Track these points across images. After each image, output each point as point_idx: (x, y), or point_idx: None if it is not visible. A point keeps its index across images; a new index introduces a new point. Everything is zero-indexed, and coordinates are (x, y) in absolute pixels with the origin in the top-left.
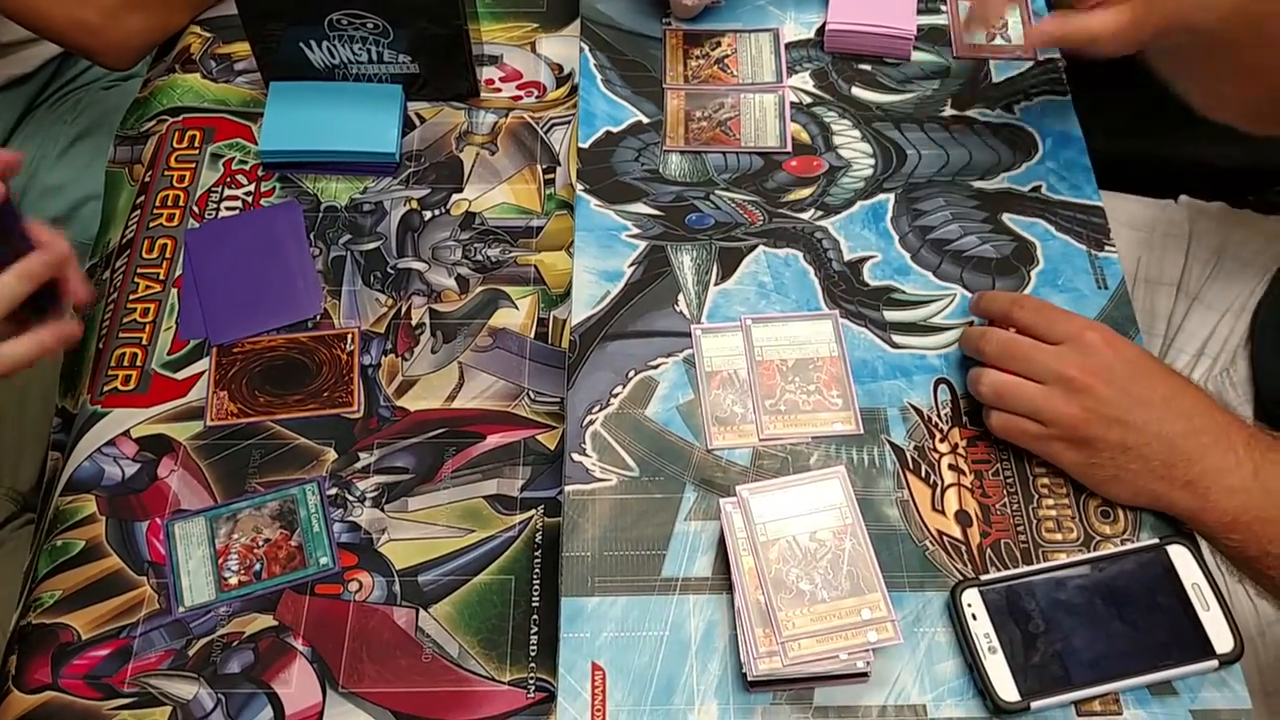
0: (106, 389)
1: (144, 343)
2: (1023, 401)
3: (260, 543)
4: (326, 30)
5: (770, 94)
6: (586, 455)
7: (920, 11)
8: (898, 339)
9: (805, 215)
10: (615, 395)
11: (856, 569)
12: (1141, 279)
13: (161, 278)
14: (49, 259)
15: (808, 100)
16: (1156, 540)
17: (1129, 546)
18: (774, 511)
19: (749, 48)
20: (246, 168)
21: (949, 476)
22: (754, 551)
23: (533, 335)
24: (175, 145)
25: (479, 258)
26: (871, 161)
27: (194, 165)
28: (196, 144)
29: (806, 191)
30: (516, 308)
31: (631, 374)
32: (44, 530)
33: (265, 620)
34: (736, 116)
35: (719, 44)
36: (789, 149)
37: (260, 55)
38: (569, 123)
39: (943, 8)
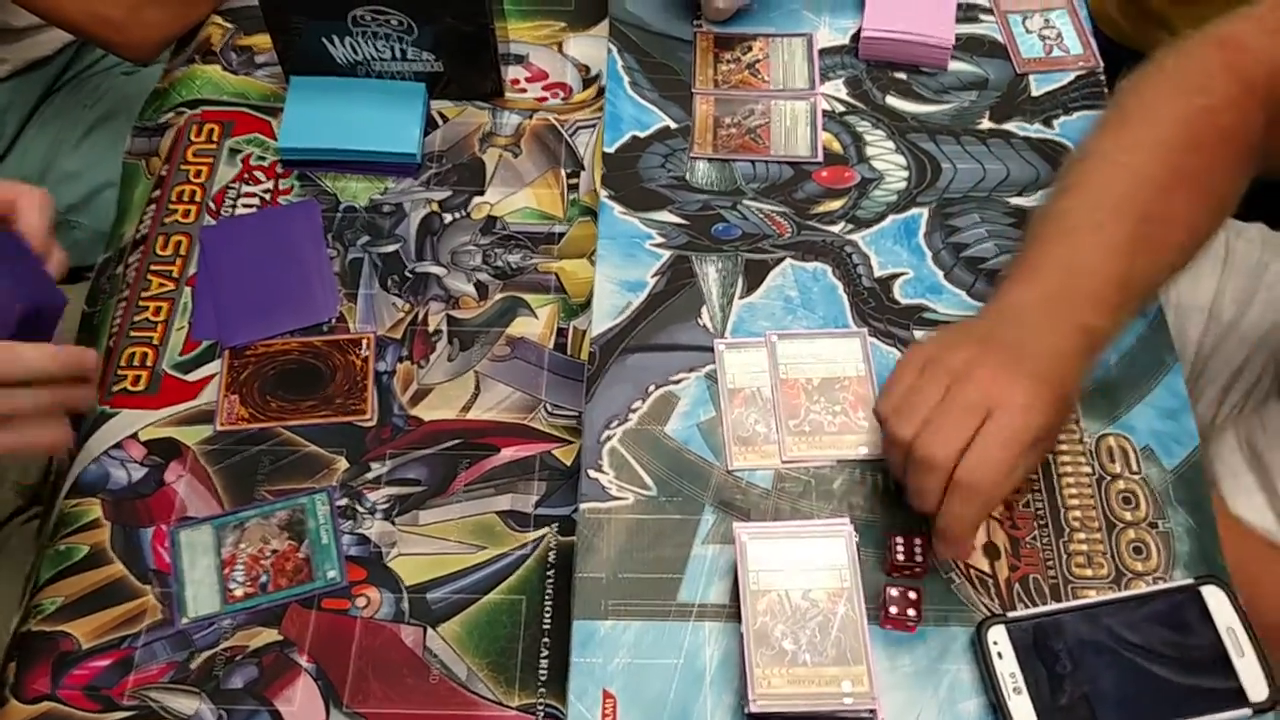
0: (116, 389)
1: (155, 342)
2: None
3: (267, 553)
4: (350, 25)
5: (802, 101)
6: (603, 472)
7: (959, 20)
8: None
9: (835, 228)
10: (634, 410)
11: (845, 637)
12: (1171, 302)
13: (175, 275)
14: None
15: (840, 109)
16: (1191, 580)
17: (1161, 586)
18: (770, 561)
19: (781, 53)
20: (265, 164)
21: None
22: (743, 599)
23: (551, 345)
24: (193, 139)
25: (499, 263)
26: (905, 174)
27: (211, 160)
28: (215, 138)
29: (837, 203)
30: (536, 317)
31: (652, 389)
32: (47, 533)
33: (270, 634)
34: (766, 124)
35: (750, 48)
36: (820, 159)
37: (281, 49)
38: (594, 126)
39: (983, 18)
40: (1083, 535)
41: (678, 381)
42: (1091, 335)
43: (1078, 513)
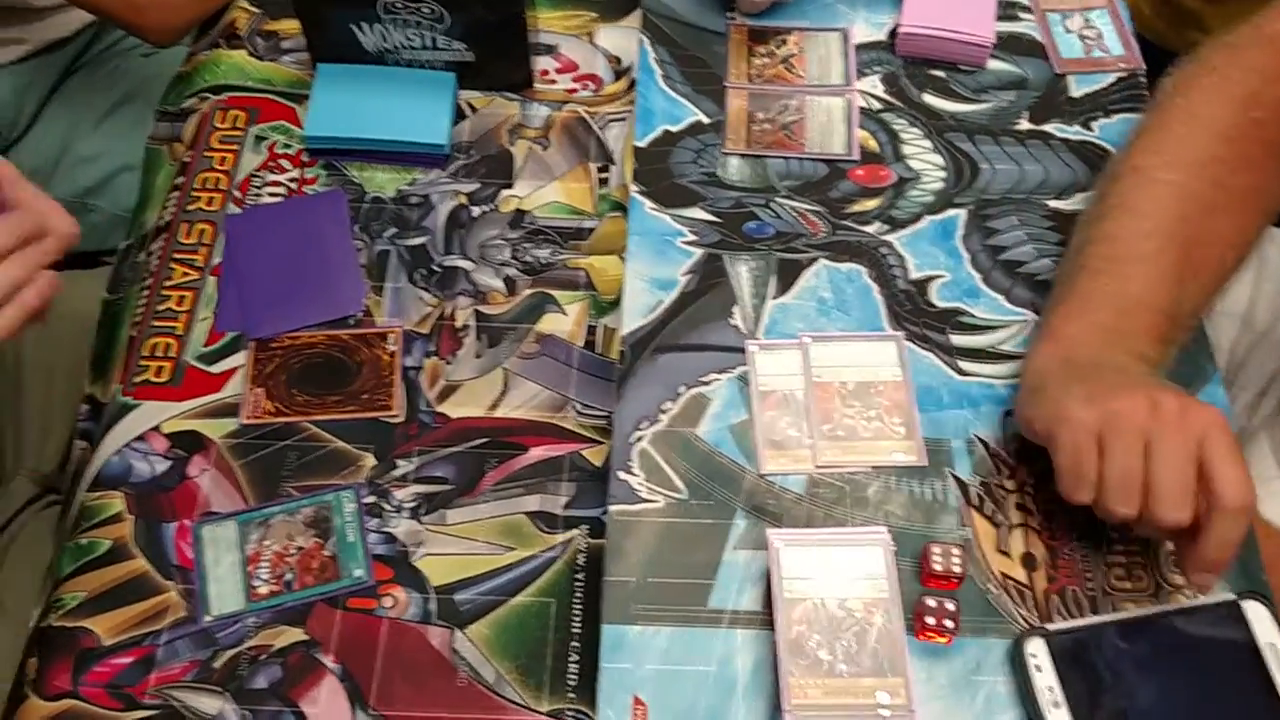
0: (138, 380)
1: (179, 333)
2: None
3: (292, 550)
4: (380, 12)
5: (837, 97)
6: (633, 474)
7: (998, 18)
8: (965, 366)
9: (870, 228)
10: (665, 411)
11: (883, 648)
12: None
13: (200, 264)
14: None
15: (877, 106)
16: (1232, 596)
17: (1202, 600)
18: (805, 568)
19: (816, 47)
20: (291, 152)
21: (1015, 516)
22: (776, 607)
23: (581, 343)
24: (218, 125)
25: (528, 259)
26: (943, 174)
27: (237, 147)
28: (240, 125)
29: (872, 203)
30: (565, 313)
31: (683, 389)
32: (68, 526)
33: (295, 634)
34: (801, 120)
35: (785, 42)
36: (856, 156)
37: (309, 35)
38: (625, 119)
39: (1023, 16)
40: (1121, 547)
41: (709, 383)
42: (1150, 364)
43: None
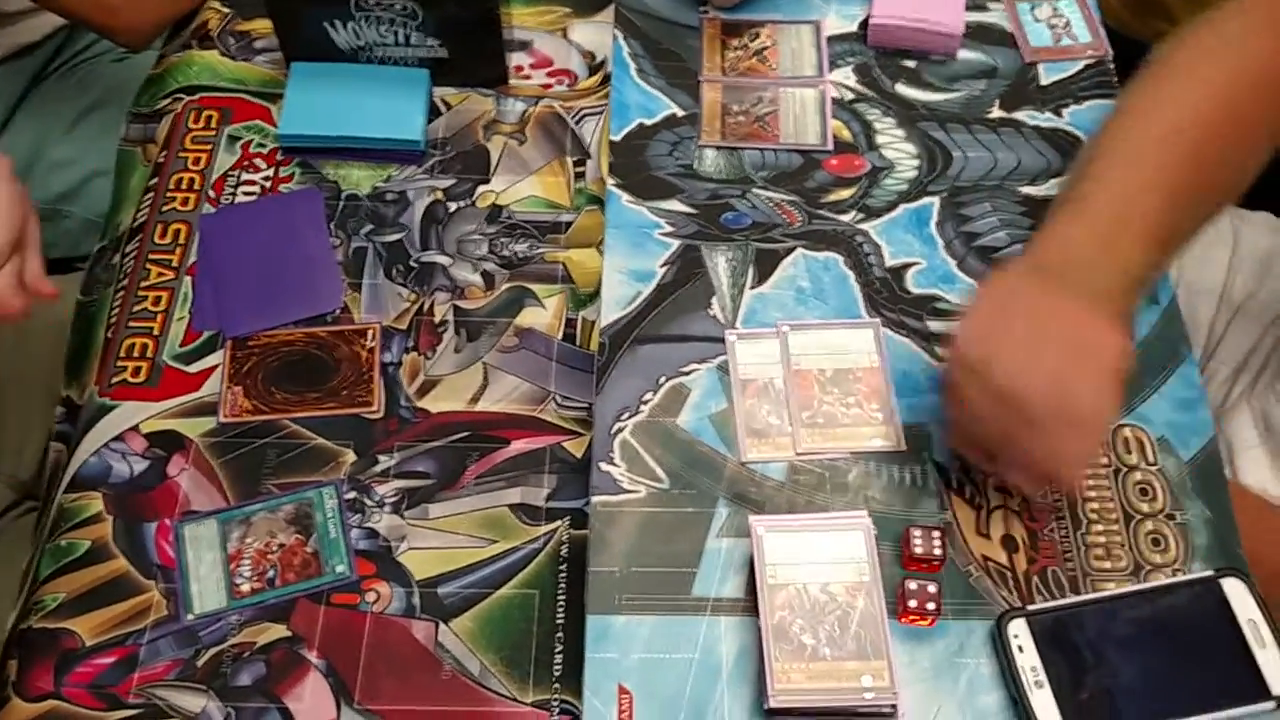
0: (115, 380)
1: (155, 333)
2: None
3: (274, 547)
4: (353, 10)
5: (811, 89)
6: (615, 465)
7: (968, 8)
8: (942, 351)
9: (846, 217)
10: (645, 402)
11: (866, 631)
12: (1183, 284)
13: (175, 264)
14: None
15: (850, 96)
16: (1210, 572)
17: (1181, 579)
18: (787, 554)
19: (789, 40)
20: (265, 151)
21: (995, 498)
22: (760, 594)
23: (560, 336)
24: (191, 125)
25: (505, 253)
26: (916, 163)
27: (210, 147)
28: (213, 125)
29: (847, 192)
30: (544, 307)
31: (663, 380)
32: (46, 529)
33: (278, 630)
34: (775, 111)
35: (758, 35)
36: (830, 147)
37: (282, 34)
38: (600, 114)
39: (991, 6)
40: (1100, 527)
41: (689, 373)
42: (1135, 280)
43: (1095, 505)
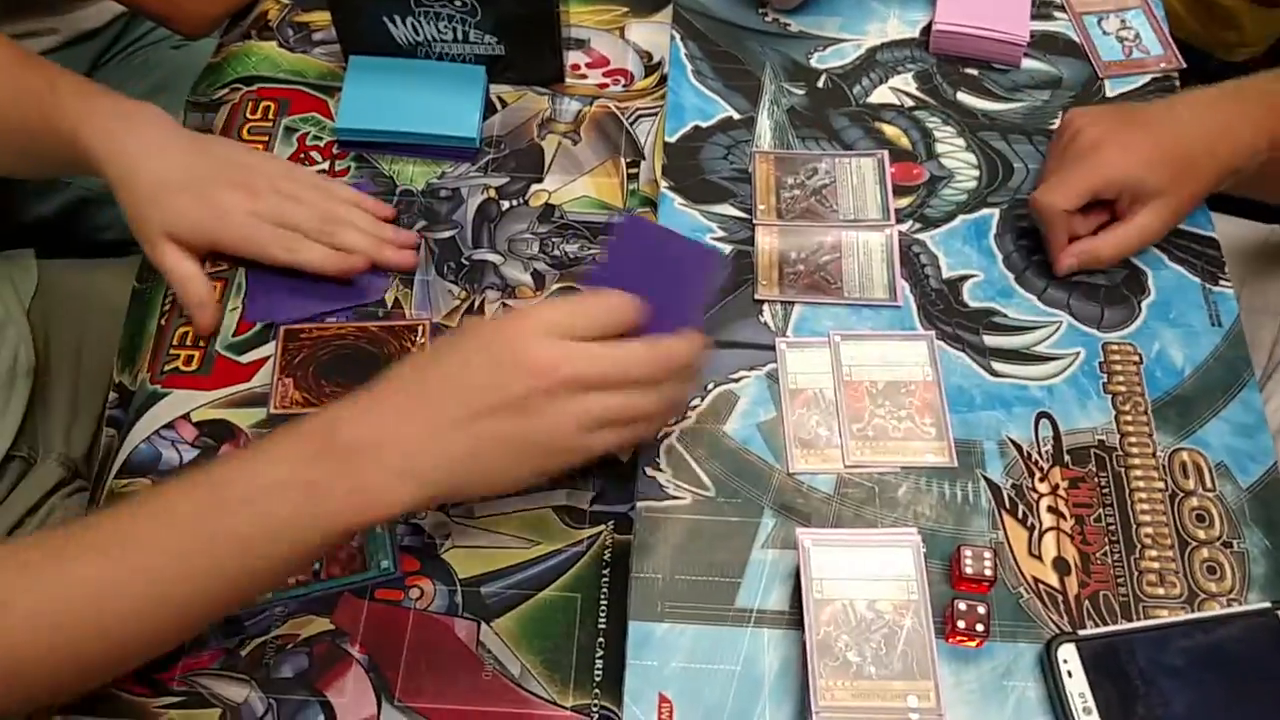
0: (167, 369)
1: None
2: None
3: None
4: (412, 5)
5: (876, 232)
6: (661, 470)
7: (1034, 17)
8: (998, 366)
9: (903, 227)
10: (693, 408)
11: (913, 650)
12: (1245, 307)
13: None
14: None
15: (909, 103)
16: (1268, 604)
17: (1237, 609)
18: (835, 569)
19: (849, 176)
20: (321, 144)
21: (1048, 519)
22: (806, 608)
23: None
24: (249, 116)
25: (556, 253)
26: (976, 173)
27: (267, 138)
28: (271, 116)
29: (905, 201)
30: None
31: (711, 386)
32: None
33: (322, 623)
34: (838, 259)
35: (815, 171)
36: (899, 303)
37: (340, 27)
38: (656, 115)
39: (1058, 15)
40: (1154, 553)
41: (738, 380)
42: (1239, 154)
43: (1150, 529)
